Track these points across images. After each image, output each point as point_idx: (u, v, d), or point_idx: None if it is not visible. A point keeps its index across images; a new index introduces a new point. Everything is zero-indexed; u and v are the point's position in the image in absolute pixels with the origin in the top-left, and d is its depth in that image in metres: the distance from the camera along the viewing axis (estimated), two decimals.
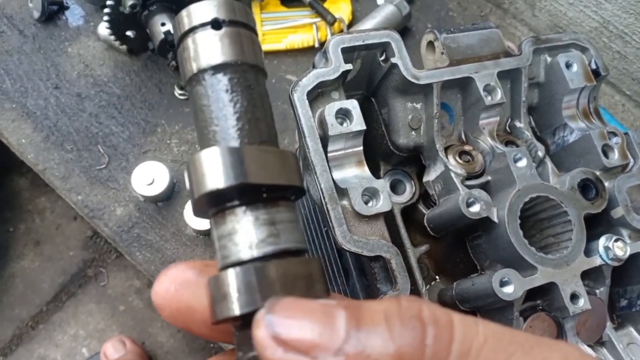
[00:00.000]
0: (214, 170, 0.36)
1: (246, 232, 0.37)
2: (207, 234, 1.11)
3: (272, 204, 0.38)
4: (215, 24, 0.40)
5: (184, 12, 0.41)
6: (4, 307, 2.00)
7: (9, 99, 1.20)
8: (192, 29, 0.40)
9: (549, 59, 0.80)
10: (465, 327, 0.33)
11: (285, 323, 0.33)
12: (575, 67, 0.77)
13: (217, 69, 0.40)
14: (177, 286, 0.42)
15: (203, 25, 0.40)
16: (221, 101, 0.39)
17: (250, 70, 0.41)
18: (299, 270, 0.37)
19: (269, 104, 0.42)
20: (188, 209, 1.08)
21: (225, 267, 0.37)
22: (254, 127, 0.39)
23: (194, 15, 0.40)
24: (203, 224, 1.07)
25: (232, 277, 0.36)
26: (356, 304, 0.34)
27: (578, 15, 1.24)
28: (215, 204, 0.38)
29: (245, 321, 0.36)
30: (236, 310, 0.35)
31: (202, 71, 0.40)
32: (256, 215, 0.37)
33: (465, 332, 0.33)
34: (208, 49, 0.40)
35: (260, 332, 0.33)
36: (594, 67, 0.80)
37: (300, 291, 0.36)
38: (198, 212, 0.39)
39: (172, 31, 1.11)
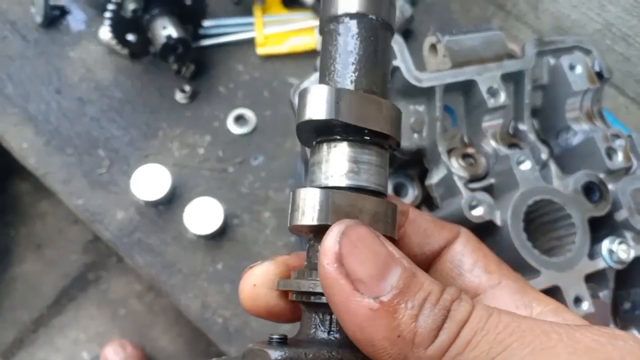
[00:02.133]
0: (314, 104, 0.42)
1: (331, 164, 0.43)
2: (208, 237, 1.11)
3: (364, 145, 0.43)
4: None
5: None
6: (5, 311, 2.00)
7: (10, 103, 1.20)
8: None
9: (552, 62, 0.79)
10: (480, 321, 0.38)
11: (350, 249, 0.38)
12: (578, 70, 0.77)
13: (353, 16, 0.44)
14: (261, 287, 0.47)
15: None
16: (348, 45, 0.44)
17: (380, 27, 0.45)
18: (366, 206, 0.42)
19: (390, 60, 0.48)
20: (188, 213, 1.08)
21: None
22: (367, 76, 0.44)
23: None
24: (204, 228, 1.07)
25: (306, 195, 0.42)
26: (412, 270, 0.38)
27: (581, 17, 1.24)
28: (315, 134, 0.44)
29: (315, 233, 0.43)
30: (306, 220, 0.42)
31: (340, 16, 0.44)
32: (345, 151, 0.43)
33: (476, 325, 0.37)
34: None
35: (328, 242, 0.38)
36: (597, 69, 0.79)
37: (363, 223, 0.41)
38: (302, 139, 0.46)
39: (173, 35, 1.11)
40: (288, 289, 0.44)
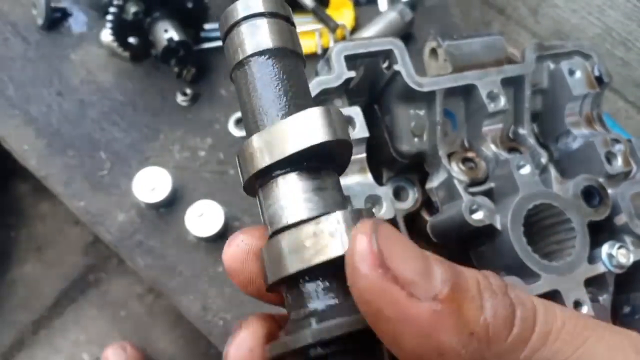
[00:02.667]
0: (255, 156, 0.41)
1: (284, 201, 0.41)
2: (208, 240, 1.11)
3: (313, 171, 0.41)
4: (268, 14, 0.44)
5: (237, 4, 0.45)
6: (5, 312, 2.00)
7: (12, 105, 1.20)
8: (246, 18, 0.44)
9: (552, 66, 0.79)
10: (546, 311, 0.34)
11: (389, 246, 0.32)
12: (578, 74, 0.77)
13: (265, 53, 0.43)
14: (244, 254, 0.43)
15: (255, 15, 0.44)
16: (269, 84, 0.43)
17: (292, 56, 0.45)
18: (330, 227, 0.38)
19: (307, 86, 0.47)
20: (189, 215, 1.08)
21: (275, 233, 0.40)
22: (291, 105, 0.43)
23: (249, 4, 0.45)
24: (204, 230, 1.07)
25: (273, 244, 0.39)
26: (449, 263, 0.34)
27: (581, 21, 1.25)
28: (258, 182, 0.42)
29: (295, 280, 0.39)
30: (290, 269, 0.38)
31: (252, 55, 0.43)
32: (291, 184, 0.41)
33: (547, 316, 0.34)
34: (261, 35, 0.44)
35: (362, 244, 0.32)
36: (597, 74, 0.79)
37: None
38: (248, 190, 0.44)
39: (174, 38, 1.11)
40: (281, 351, 0.38)
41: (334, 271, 0.37)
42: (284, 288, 0.41)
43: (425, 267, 0.32)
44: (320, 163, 0.42)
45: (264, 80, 0.43)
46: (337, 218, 0.38)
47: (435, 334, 0.30)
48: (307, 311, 0.38)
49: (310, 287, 0.39)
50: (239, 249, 0.43)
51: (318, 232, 0.37)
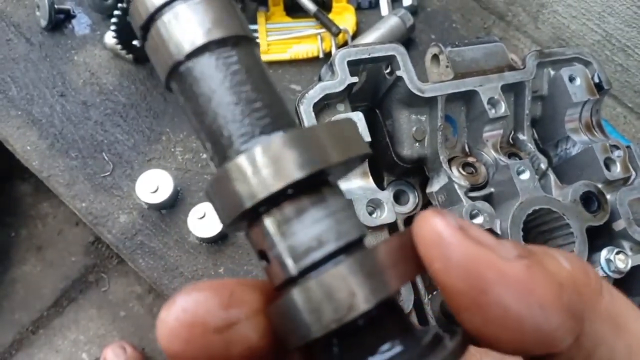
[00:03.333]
0: (232, 198, 0.29)
1: (284, 243, 0.29)
2: (210, 241, 1.12)
3: (314, 193, 0.30)
4: None
5: None
6: (5, 312, 2.00)
7: (14, 106, 1.21)
8: (162, 7, 0.31)
9: (552, 73, 0.80)
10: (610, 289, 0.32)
11: (461, 222, 0.29)
12: (578, 81, 0.78)
13: (203, 49, 0.31)
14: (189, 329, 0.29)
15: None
16: (218, 91, 0.31)
17: (244, 45, 0.32)
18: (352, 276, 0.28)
19: (267, 74, 0.33)
20: (192, 217, 1.09)
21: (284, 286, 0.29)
22: (264, 116, 0.31)
23: None
24: (206, 231, 1.08)
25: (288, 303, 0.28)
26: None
27: (581, 28, 1.25)
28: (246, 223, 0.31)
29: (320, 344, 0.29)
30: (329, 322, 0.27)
31: (188, 57, 0.31)
32: (290, 218, 0.29)
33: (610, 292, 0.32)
34: (196, 22, 0.31)
35: (438, 220, 0.28)
36: (597, 80, 0.80)
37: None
38: (229, 230, 0.31)
39: None
40: None
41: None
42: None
43: (495, 239, 0.30)
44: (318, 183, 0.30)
45: (213, 88, 0.31)
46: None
47: (536, 289, 0.28)
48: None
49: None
50: (182, 321, 0.28)
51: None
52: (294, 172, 0.28)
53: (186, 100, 0.31)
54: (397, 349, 0.29)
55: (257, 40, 1.29)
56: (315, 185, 0.30)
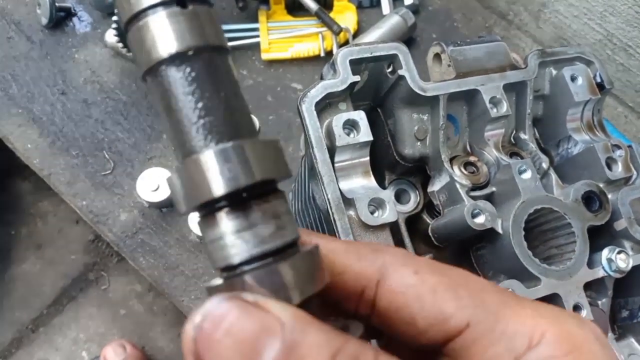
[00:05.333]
0: (179, 194, 0.34)
1: (226, 239, 0.34)
2: None
3: (250, 205, 0.34)
4: (168, 3, 0.33)
5: None
6: (5, 310, 2.00)
7: (15, 104, 1.21)
8: (142, 11, 0.33)
9: (554, 72, 0.80)
10: None
11: (208, 345, 0.30)
12: (580, 81, 0.78)
13: (171, 60, 0.33)
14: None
15: (154, 6, 0.33)
16: (181, 99, 0.34)
17: (211, 55, 0.35)
18: (283, 274, 0.33)
19: (235, 85, 0.36)
20: (192, 215, 1.09)
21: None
22: (223, 125, 0.34)
23: None
24: None
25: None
26: (294, 340, 0.30)
27: (582, 27, 1.25)
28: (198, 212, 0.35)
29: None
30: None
31: (157, 64, 0.34)
32: (229, 223, 0.34)
33: None
34: (163, 35, 0.33)
35: (184, 336, 0.30)
36: (598, 80, 0.80)
37: None
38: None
39: None
40: None
41: None
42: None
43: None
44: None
45: (176, 96, 0.34)
46: None
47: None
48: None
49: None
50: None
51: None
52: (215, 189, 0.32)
53: (155, 98, 0.35)
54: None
55: (258, 40, 1.29)
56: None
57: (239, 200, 0.33)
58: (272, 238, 0.34)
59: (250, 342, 0.29)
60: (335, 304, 0.40)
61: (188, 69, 0.34)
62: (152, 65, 0.34)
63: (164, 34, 0.33)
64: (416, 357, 0.41)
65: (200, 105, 0.34)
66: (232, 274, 0.34)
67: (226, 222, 0.33)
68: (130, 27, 0.34)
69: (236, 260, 0.33)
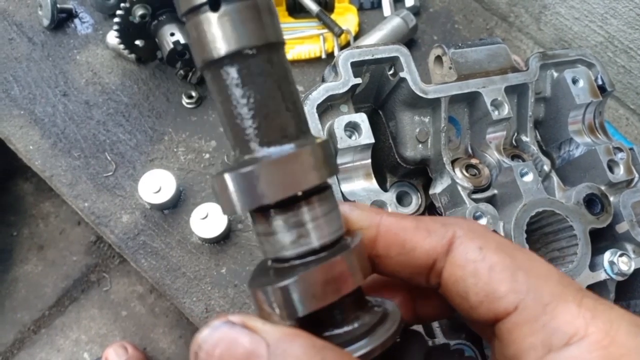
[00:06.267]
0: (228, 199, 0.35)
1: (276, 236, 0.37)
2: (212, 241, 1.12)
3: (301, 204, 0.36)
4: (214, 4, 0.34)
5: None
6: (7, 311, 2.00)
7: (17, 105, 1.21)
8: (191, 10, 0.34)
9: (555, 74, 0.80)
10: None
11: None
12: (581, 83, 0.78)
13: (230, 58, 0.34)
14: None
15: (200, 6, 0.34)
16: (233, 100, 0.35)
17: (262, 53, 0.35)
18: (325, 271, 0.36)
19: (288, 83, 0.37)
20: (194, 217, 1.09)
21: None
22: (271, 124, 0.35)
23: None
24: (209, 231, 1.08)
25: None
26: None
27: (583, 29, 1.25)
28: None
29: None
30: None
31: (207, 64, 0.35)
32: (281, 221, 0.36)
33: None
34: (210, 36, 0.34)
35: None
36: (600, 83, 0.80)
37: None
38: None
39: (181, 41, 1.12)
40: None
41: None
42: None
43: None
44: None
45: (229, 94, 0.35)
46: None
47: None
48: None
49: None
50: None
51: None
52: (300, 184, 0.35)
53: (214, 94, 0.36)
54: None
55: None
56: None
57: (295, 200, 0.35)
58: (318, 235, 0.37)
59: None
60: (405, 278, 0.42)
61: (247, 69, 0.34)
62: (211, 61, 0.34)
63: (224, 31, 0.33)
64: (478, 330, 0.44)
65: (257, 103, 0.35)
66: (282, 265, 0.37)
67: (280, 219, 0.36)
68: (190, 17, 0.34)
69: (287, 254, 0.36)
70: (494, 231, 0.39)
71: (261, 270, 0.39)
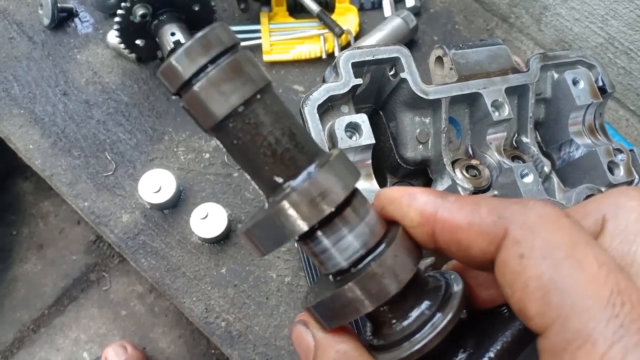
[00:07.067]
0: (267, 237, 0.38)
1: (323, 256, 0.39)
2: (212, 241, 1.12)
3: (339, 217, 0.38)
4: (213, 61, 0.35)
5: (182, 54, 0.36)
6: (6, 310, 2.00)
7: (17, 104, 1.21)
8: (190, 79, 0.35)
9: (556, 76, 0.80)
10: None
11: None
12: (582, 84, 0.78)
13: (227, 117, 0.36)
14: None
15: (199, 71, 0.35)
16: (243, 154, 0.37)
17: (251, 104, 0.36)
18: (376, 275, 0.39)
19: (287, 115, 0.39)
20: (194, 217, 1.09)
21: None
22: (286, 163, 0.37)
23: (207, 44, 0.36)
24: (209, 231, 1.08)
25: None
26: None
27: (584, 30, 1.26)
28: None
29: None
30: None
31: (218, 124, 0.36)
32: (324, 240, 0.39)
33: None
34: (202, 108, 0.36)
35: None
36: (600, 84, 0.80)
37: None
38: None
39: (181, 41, 1.12)
40: None
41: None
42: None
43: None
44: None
45: (236, 149, 0.37)
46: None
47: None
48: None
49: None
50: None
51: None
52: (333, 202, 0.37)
53: (228, 151, 0.38)
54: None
55: (259, 41, 1.29)
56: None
57: (334, 216, 0.38)
58: (364, 241, 0.39)
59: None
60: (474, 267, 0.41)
61: (247, 118, 0.36)
62: (213, 126, 0.36)
63: (215, 96, 0.35)
64: None
65: (266, 148, 0.37)
66: (343, 276, 0.39)
67: (327, 238, 0.38)
68: (183, 94, 0.36)
69: (345, 265, 0.39)
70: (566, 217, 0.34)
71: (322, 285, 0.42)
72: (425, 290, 0.41)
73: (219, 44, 0.35)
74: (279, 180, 0.37)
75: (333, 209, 0.37)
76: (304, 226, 0.36)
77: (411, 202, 0.40)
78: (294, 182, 0.37)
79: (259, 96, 0.36)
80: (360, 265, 0.39)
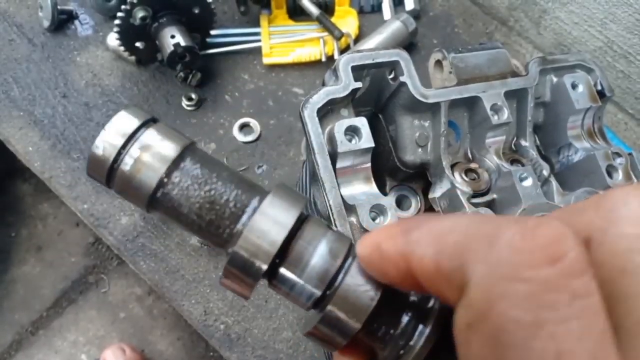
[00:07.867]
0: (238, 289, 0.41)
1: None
2: (210, 244, 1.12)
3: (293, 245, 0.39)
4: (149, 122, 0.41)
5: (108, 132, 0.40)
6: (5, 312, 2.00)
7: (16, 106, 1.21)
8: (113, 164, 0.39)
9: (555, 79, 0.81)
10: None
11: None
12: (581, 88, 0.78)
13: (151, 200, 0.39)
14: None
15: (119, 155, 0.39)
16: (183, 213, 0.39)
17: (188, 154, 0.40)
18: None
19: (217, 161, 0.42)
20: None
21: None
22: (214, 233, 0.40)
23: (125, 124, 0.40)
24: None
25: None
26: None
27: (583, 34, 1.26)
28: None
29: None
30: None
31: (151, 195, 0.39)
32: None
33: None
34: (133, 189, 0.39)
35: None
36: (599, 88, 0.81)
37: None
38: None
39: (181, 43, 1.12)
40: None
41: None
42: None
43: None
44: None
45: (181, 207, 0.39)
46: None
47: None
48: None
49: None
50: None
51: None
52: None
53: (167, 217, 0.40)
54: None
55: (259, 44, 1.29)
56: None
57: (286, 248, 0.39)
58: (331, 262, 0.39)
59: None
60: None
61: (177, 179, 0.38)
62: (149, 198, 0.38)
63: (145, 171, 0.38)
64: None
65: (196, 219, 0.39)
66: (322, 303, 0.40)
67: (290, 274, 0.40)
68: (112, 182, 0.39)
69: (319, 294, 0.39)
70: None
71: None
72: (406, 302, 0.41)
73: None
74: (227, 232, 0.39)
75: (266, 267, 0.38)
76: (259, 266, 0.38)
77: (382, 257, 0.37)
78: (239, 224, 0.39)
79: (166, 180, 0.38)
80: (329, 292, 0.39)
